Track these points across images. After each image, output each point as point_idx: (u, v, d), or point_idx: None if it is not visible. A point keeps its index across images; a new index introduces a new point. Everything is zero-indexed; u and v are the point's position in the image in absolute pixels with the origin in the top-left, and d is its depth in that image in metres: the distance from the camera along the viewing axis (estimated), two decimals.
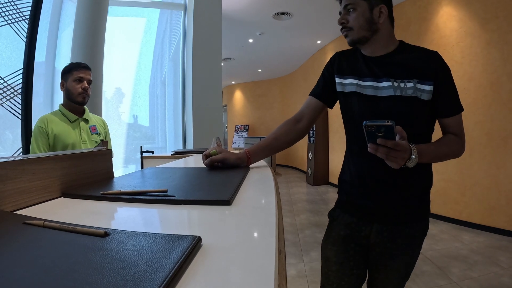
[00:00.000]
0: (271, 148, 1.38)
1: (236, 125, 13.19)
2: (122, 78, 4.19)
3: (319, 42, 7.53)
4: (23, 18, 2.55)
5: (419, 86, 1.16)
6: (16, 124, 2.48)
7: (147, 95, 4.52)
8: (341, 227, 1.34)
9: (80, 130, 2.10)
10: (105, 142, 1.17)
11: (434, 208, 4.68)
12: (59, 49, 3.19)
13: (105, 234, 0.44)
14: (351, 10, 1.23)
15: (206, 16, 4.06)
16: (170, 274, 0.32)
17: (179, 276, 0.34)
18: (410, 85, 1.17)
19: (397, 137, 1.02)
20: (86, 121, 2.18)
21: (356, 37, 1.24)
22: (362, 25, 1.21)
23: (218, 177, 1.02)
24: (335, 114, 7.29)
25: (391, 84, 1.19)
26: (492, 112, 3.94)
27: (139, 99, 4.38)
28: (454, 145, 1.22)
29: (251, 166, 1.33)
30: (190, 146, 4.19)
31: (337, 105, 1.43)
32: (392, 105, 1.19)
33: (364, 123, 0.97)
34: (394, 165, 1.04)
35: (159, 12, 4.64)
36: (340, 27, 1.28)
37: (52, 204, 0.72)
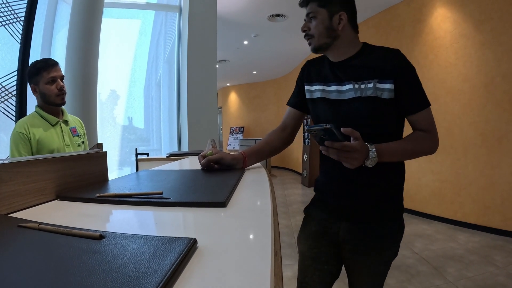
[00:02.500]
0: (263, 152, 1.44)
1: (231, 127, 13.18)
2: (117, 80, 4.18)
3: None
4: (18, 19, 2.54)
5: (379, 85, 1.19)
6: (11, 126, 2.46)
7: (142, 97, 4.51)
8: (314, 223, 1.39)
9: (62, 133, 1.97)
10: (99, 145, 1.14)
11: (429, 208, 4.72)
12: (53, 50, 3.18)
13: (100, 236, 0.44)
14: (312, 18, 1.28)
15: (201, 18, 4.06)
16: (166, 277, 0.32)
17: (174, 278, 0.34)
18: (370, 85, 1.19)
19: (352, 139, 1.06)
20: (66, 122, 2.03)
21: (317, 44, 1.29)
22: (321, 32, 1.26)
23: (213, 179, 1.02)
24: None
25: (352, 87, 1.23)
26: (487, 112, 3.97)
27: (134, 101, 4.37)
28: (422, 142, 1.23)
29: (246, 168, 1.34)
30: (185, 148, 4.18)
31: None
32: (353, 107, 1.23)
33: (306, 128, 1.01)
34: (349, 165, 1.09)
35: (154, 14, 4.63)
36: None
37: (46, 206, 0.72)
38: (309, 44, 1.32)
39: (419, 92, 1.22)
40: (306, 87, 1.41)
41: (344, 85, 1.25)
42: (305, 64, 1.47)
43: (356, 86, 1.22)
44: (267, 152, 1.45)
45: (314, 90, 1.37)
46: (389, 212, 1.28)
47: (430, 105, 1.23)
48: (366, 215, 1.27)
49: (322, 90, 1.33)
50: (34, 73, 1.88)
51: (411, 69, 1.22)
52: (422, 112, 1.22)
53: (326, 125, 0.96)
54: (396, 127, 1.26)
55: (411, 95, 1.21)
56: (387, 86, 1.18)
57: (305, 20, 1.32)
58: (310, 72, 1.42)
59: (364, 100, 1.20)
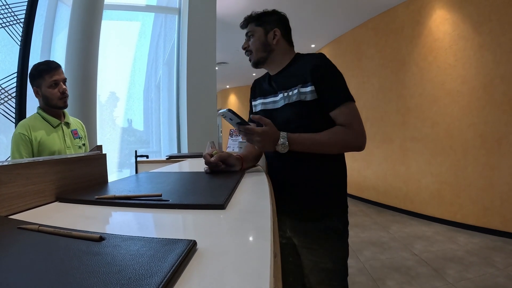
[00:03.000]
0: (250, 158, 1.55)
1: (230, 129, 13.06)
2: (116, 82, 4.17)
3: (313, 46, 7.55)
4: (18, 21, 2.54)
5: (302, 89, 1.30)
6: (10, 128, 2.46)
7: (142, 99, 4.50)
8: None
9: (63, 136, 1.97)
10: (99, 147, 1.13)
11: (428, 210, 4.71)
12: (53, 52, 3.18)
13: (100, 238, 0.44)
14: (251, 36, 1.46)
15: (200, 20, 4.07)
16: (166, 278, 0.32)
17: (174, 280, 0.34)
18: (295, 91, 1.31)
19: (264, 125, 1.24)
20: (68, 125, 2.04)
21: (256, 58, 1.45)
22: (258, 47, 1.44)
23: (213, 182, 1.02)
24: None
25: (283, 96, 1.36)
26: (486, 114, 3.97)
27: (133, 103, 4.36)
28: (338, 134, 1.28)
29: (246, 171, 1.35)
30: (184, 150, 4.17)
31: None
32: (283, 113, 1.36)
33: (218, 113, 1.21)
34: (257, 148, 1.26)
35: (154, 16, 4.63)
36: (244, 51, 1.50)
37: (46, 208, 0.72)
38: (250, 60, 1.49)
39: (337, 89, 1.29)
40: (253, 103, 1.59)
41: (277, 95, 1.41)
42: (253, 83, 1.65)
43: (286, 94, 1.35)
44: (252, 158, 1.56)
45: (257, 104, 1.55)
46: (329, 210, 1.34)
47: (349, 100, 1.29)
48: (303, 213, 1.34)
49: (262, 103, 1.51)
50: (37, 76, 1.87)
51: (329, 69, 1.31)
52: (341, 107, 1.28)
53: (226, 110, 1.16)
54: (324, 126, 1.30)
55: (328, 93, 1.28)
56: (309, 88, 1.28)
57: (245, 39, 1.49)
58: (255, 89, 1.60)
59: (291, 105, 1.33)
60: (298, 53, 1.46)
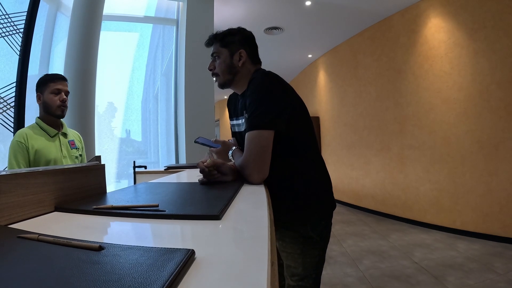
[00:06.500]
0: None
1: (229, 140, 13.13)
2: (114, 92, 4.19)
3: (310, 56, 7.61)
4: (17, 31, 2.56)
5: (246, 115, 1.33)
6: (9, 137, 2.46)
7: (140, 109, 4.51)
8: None
9: (60, 145, 2.01)
10: (98, 157, 1.14)
11: (427, 218, 4.71)
12: (52, 62, 3.20)
13: (100, 248, 0.44)
14: (216, 57, 1.44)
15: (198, 31, 4.10)
16: (165, 286, 0.32)
17: None
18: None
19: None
20: (65, 135, 2.08)
21: (222, 80, 1.44)
22: (224, 70, 1.42)
23: (211, 192, 1.02)
24: (326, 128, 7.34)
25: (244, 119, 1.37)
26: (483, 120, 3.99)
27: (131, 113, 4.37)
28: (238, 161, 1.30)
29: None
30: (183, 161, 4.17)
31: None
32: (245, 137, 1.29)
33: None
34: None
35: (152, 27, 4.67)
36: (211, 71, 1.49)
37: (45, 218, 0.72)
38: (215, 81, 1.47)
39: (249, 117, 1.27)
40: (230, 122, 1.62)
41: (239, 118, 1.43)
42: (228, 100, 1.66)
43: (247, 116, 1.32)
44: None
45: (231, 125, 1.59)
46: (302, 219, 1.34)
47: (253, 128, 1.24)
48: (280, 223, 1.33)
49: (233, 125, 1.55)
50: (42, 83, 1.98)
51: (252, 93, 1.28)
52: (247, 133, 1.26)
53: (196, 139, 1.40)
54: (286, 149, 1.31)
55: (248, 118, 1.28)
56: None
57: (211, 60, 1.46)
58: (230, 108, 1.62)
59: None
60: (255, 71, 1.43)
